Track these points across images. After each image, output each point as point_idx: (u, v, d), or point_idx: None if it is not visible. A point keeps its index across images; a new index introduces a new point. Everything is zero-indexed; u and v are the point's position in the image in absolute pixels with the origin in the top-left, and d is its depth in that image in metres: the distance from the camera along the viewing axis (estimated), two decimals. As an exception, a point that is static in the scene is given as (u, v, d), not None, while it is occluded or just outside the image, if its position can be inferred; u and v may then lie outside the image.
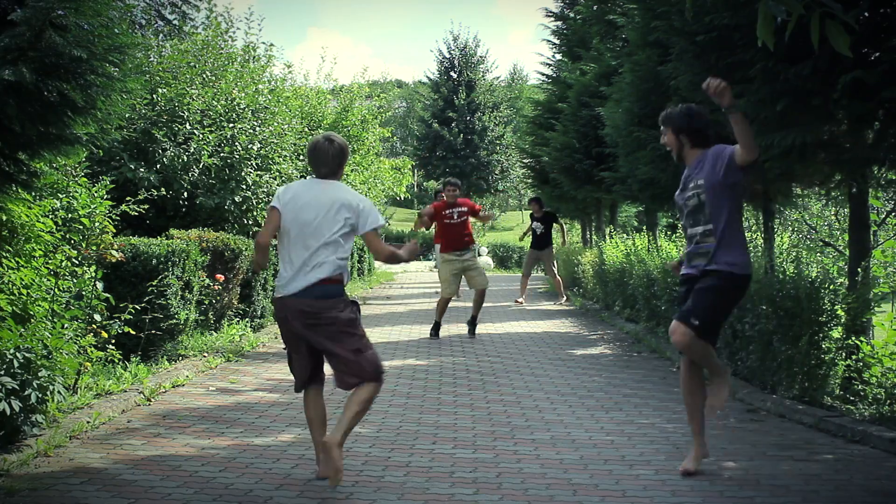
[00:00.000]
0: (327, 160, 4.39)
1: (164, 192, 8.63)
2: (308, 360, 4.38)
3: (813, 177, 7.38)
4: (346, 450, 4.98)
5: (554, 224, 15.04)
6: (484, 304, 14.52)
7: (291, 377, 7.38)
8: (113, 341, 6.39)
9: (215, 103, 10.08)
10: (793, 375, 6.34)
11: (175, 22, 14.13)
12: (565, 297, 14.84)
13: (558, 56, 19.18)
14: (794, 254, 7.53)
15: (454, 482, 4.36)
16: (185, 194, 9.55)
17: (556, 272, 15.09)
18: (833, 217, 13.84)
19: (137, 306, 6.60)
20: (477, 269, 10.09)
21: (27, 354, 4.73)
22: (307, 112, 14.45)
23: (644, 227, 15.01)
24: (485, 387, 7.07)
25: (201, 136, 9.70)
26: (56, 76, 4.48)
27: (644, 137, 9.04)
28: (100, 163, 8.72)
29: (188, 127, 9.71)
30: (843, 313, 6.27)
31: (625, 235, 14.47)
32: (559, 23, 18.59)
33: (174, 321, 7.46)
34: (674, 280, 9.08)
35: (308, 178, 4.76)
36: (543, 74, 20.27)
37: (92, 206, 6.60)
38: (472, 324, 10.32)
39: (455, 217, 9.99)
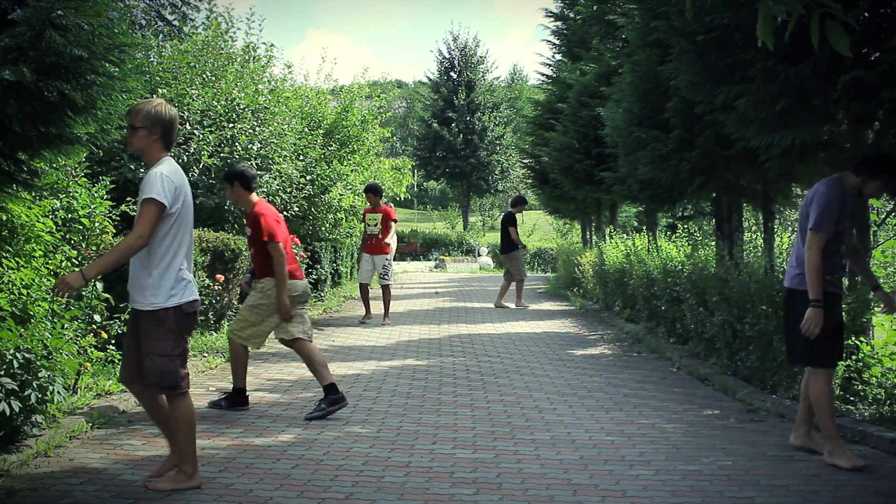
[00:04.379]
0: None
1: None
2: None
3: (813, 177, 7.37)
4: (347, 450, 4.98)
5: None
6: (484, 305, 14.65)
7: (291, 377, 7.42)
8: (113, 341, 6.38)
9: (215, 103, 10.07)
10: (793, 375, 6.34)
11: (175, 22, 14.10)
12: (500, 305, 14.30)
13: (558, 56, 19.20)
14: (794, 254, 7.52)
15: (454, 482, 4.35)
16: (185, 194, 9.56)
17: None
18: (833, 217, 13.80)
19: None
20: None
21: (27, 355, 4.73)
22: (307, 112, 14.43)
23: (644, 228, 15.01)
24: (485, 387, 7.07)
25: (201, 136, 9.69)
26: (56, 76, 4.47)
27: (644, 137, 9.03)
28: (100, 163, 8.71)
29: (188, 127, 9.70)
30: (843, 313, 6.26)
31: (625, 235, 14.46)
32: (559, 23, 18.62)
33: (174, 321, 7.43)
34: (674, 280, 9.09)
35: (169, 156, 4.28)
36: (543, 75, 20.29)
37: (92, 206, 6.60)
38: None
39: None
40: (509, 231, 13.95)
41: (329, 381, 5.89)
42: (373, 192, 11.46)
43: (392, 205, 13.60)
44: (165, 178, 4.03)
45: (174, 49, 10.59)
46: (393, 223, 11.54)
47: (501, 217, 14.46)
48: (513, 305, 14.10)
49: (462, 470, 4.58)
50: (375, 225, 11.38)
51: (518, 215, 14.38)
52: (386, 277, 11.51)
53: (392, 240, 11.59)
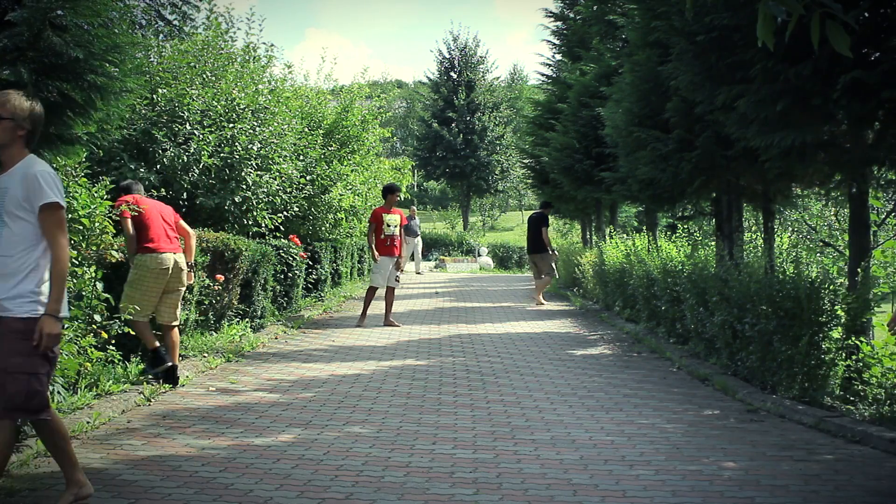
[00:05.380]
0: None
1: (164, 193, 8.62)
2: None
3: (813, 177, 7.39)
4: (347, 450, 4.98)
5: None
6: (484, 305, 14.69)
7: (291, 377, 7.41)
8: (113, 341, 6.38)
9: (215, 103, 10.06)
10: (793, 375, 6.34)
11: (175, 22, 14.10)
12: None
13: (558, 56, 19.21)
14: (794, 254, 7.53)
15: (454, 482, 4.35)
16: (185, 195, 9.53)
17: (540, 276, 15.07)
18: (833, 217, 13.84)
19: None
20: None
21: (27, 354, 4.72)
22: (307, 112, 14.42)
23: (644, 227, 15.01)
24: (485, 387, 7.07)
25: (201, 136, 9.69)
26: (55, 76, 4.48)
27: (644, 137, 9.03)
28: (100, 163, 8.70)
29: (188, 127, 9.70)
30: (843, 313, 6.27)
31: (625, 235, 14.47)
32: (559, 23, 18.62)
33: (174, 321, 7.44)
34: (674, 280, 9.09)
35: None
36: (543, 75, 20.30)
37: (92, 207, 6.58)
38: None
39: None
40: (542, 231, 14.49)
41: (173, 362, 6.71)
42: (398, 191, 11.52)
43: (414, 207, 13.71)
44: (53, 176, 3.74)
45: (174, 49, 10.57)
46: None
47: (532, 216, 14.98)
48: (545, 303, 14.66)
49: (462, 470, 4.58)
50: (396, 227, 11.35)
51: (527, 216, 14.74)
52: (398, 280, 11.56)
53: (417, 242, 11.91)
